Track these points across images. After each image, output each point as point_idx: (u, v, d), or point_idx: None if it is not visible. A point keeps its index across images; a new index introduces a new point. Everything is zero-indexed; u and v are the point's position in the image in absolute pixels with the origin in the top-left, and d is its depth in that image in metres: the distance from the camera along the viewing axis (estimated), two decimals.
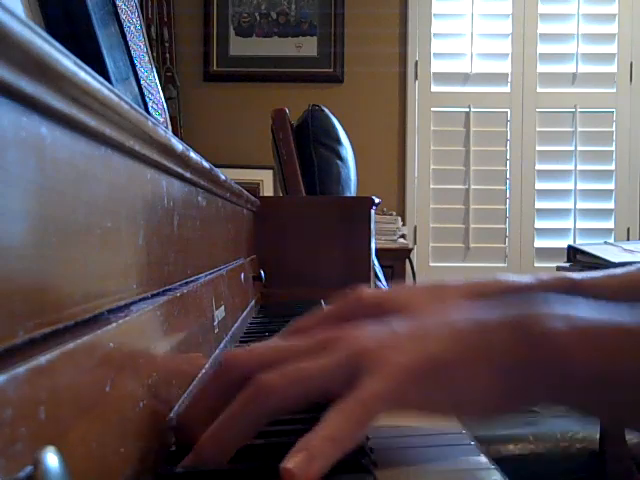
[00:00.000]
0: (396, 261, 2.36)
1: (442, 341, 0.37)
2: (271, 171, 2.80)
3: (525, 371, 0.36)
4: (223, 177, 0.71)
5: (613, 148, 3.01)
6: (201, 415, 0.37)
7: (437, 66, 3.02)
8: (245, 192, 0.97)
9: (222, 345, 0.63)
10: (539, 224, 3.00)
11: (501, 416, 0.38)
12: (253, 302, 1.01)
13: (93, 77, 0.30)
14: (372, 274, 1.25)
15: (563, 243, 2.29)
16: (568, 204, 2.99)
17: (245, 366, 0.37)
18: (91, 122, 0.30)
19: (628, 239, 2.95)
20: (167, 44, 2.92)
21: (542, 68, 3.02)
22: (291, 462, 0.32)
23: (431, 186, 3.00)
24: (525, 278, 0.50)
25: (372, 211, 1.27)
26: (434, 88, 3.02)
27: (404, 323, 0.38)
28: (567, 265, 1.99)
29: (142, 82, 0.66)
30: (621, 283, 0.50)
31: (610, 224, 3.00)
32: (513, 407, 0.37)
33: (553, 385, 0.36)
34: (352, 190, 1.82)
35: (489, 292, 0.48)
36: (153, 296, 0.43)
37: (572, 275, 0.50)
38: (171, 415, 0.40)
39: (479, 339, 0.37)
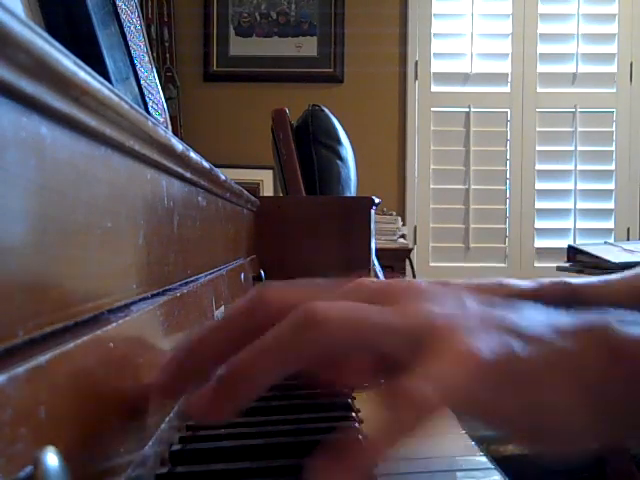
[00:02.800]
0: (396, 261, 2.36)
1: (528, 339, 0.30)
2: (271, 171, 2.80)
3: (621, 391, 0.30)
4: (223, 177, 0.71)
5: (613, 148, 3.01)
6: (218, 347, 0.31)
7: (437, 66, 3.02)
8: (245, 192, 0.97)
9: None
10: (539, 224, 3.00)
11: (586, 447, 0.32)
12: None
13: (93, 77, 0.30)
14: (372, 274, 1.25)
15: (563, 243, 2.29)
16: (568, 204, 2.99)
17: (287, 300, 0.31)
18: (91, 122, 0.30)
19: (628, 239, 2.95)
20: (167, 44, 2.92)
21: (542, 68, 3.02)
22: (322, 473, 0.26)
23: (431, 186, 3.00)
24: (525, 283, 0.49)
25: (372, 211, 1.27)
26: (434, 88, 3.02)
27: (480, 307, 0.32)
28: (567, 265, 1.99)
29: (142, 82, 0.66)
30: (622, 288, 0.49)
31: (610, 224, 3.00)
32: (606, 436, 0.31)
33: None
34: (352, 190, 1.82)
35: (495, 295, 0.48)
36: (153, 296, 0.43)
37: (571, 280, 0.50)
38: (171, 415, 0.40)
39: (568, 345, 0.31)
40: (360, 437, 0.28)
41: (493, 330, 0.30)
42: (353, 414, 0.44)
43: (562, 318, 0.32)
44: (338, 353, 0.31)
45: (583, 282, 0.50)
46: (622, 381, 0.30)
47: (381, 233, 2.40)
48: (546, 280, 0.49)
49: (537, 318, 0.32)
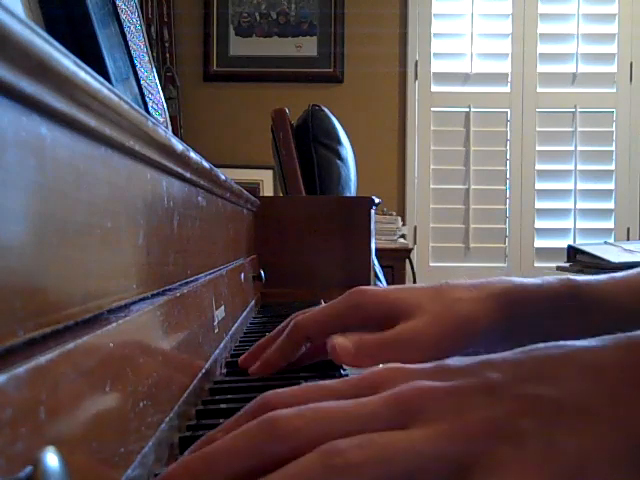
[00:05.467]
0: (396, 261, 2.36)
1: (573, 420, 0.27)
2: (271, 171, 2.80)
3: None
4: (223, 177, 0.71)
5: (613, 148, 3.01)
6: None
7: (437, 66, 3.03)
8: (245, 192, 0.97)
9: (222, 345, 0.63)
10: (539, 224, 3.00)
11: None
12: (253, 302, 1.01)
13: (93, 77, 0.30)
14: (372, 274, 1.25)
15: (563, 243, 2.29)
16: (568, 204, 2.99)
17: (298, 429, 0.28)
18: (91, 122, 0.30)
19: (628, 239, 2.95)
20: (167, 44, 2.92)
21: (542, 68, 3.03)
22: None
23: (431, 186, 3.00)
24: (529, 281, 0.49)
25: (372, 211, 1.27)
26: (434, 88, 3.02)
27: (502, 370, 0.29)
28: (567, 265, 1.99)
29: (142, 82, 0.66)
30: (626, 286, 0.49)
31: (610, 224, 3.00)
32: None
33: None
34: (352, 190, 1.82)
35: (502, 297, 0.48)
36: (153, 296, 0.43)
37: (576, 278, 0.50)
38: (171, 415, 0.40)
39: (608, 404, 0.28)
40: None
41: (530, 419, 0.27)
42: None
43: (597, 352, 0.30)
44: None
45: (588, 280, 0.50)
46: None
47: (381, 233, 2.40)
48: (552, 278, 0.49)
49: (573, 367, 0.29)
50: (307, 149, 1.71)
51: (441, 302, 0.48)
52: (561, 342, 0.31)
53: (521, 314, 0.48)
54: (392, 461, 0.26)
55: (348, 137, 1.87)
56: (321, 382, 0.32)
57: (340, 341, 0.46)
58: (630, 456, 0.27)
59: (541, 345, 0.31)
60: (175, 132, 0.64)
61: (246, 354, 0.55)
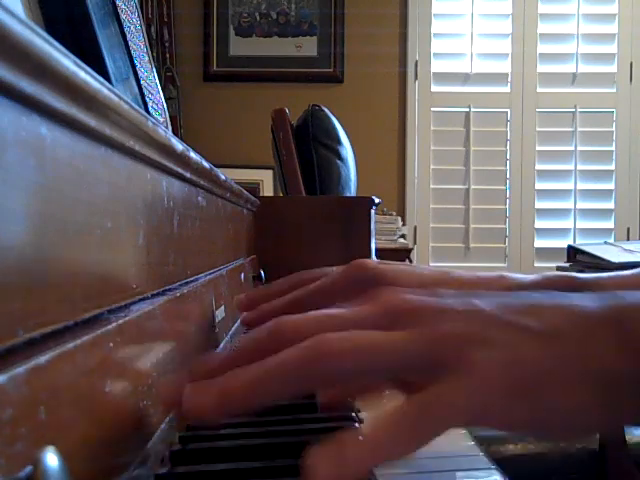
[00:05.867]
0: (396, 261, 2.36)
1: (536, 339, 0.30)
2: (271, 171, 2.80)
3: (633, 380, 0.30)
4: (223, 177, 0.72)
5: (613, 148, 3.01)
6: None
7: (437, 66, 3.02)
8: (245, 192, 0.97)
9: (222, 345, 0.63)
10: (539, 224, 3.00)
11: (597, 434, 0.33)
12: None
13: (93, 77, 0.30)
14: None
15: (563, 243, 2.30)
16: (568, 204, 2.99)
17: (300, 330, 0.31)
18: (91, 122, 0.30)
19: (628, 239, 2.95)
20: (167, 44, 2.92)
21: (542, 68, 3.03)
22: (318, 462, 0.27)
23: (431, 186, 3.00)
24: (530, 277, 0.49)
25: (372, 211, 1.27)
26: (434, 88, 3.02)
27: (489, 301, 0.32)
28: (567, 265, 1.99)
29: (142, 82, 0.66)
30: (631, 284, 0.47)
31: (610, 224, 3.00)
32: (616, 424, 0.32)
33: None
34: (352, 190, 1.82)
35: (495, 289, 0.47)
36: (153, 296, 0.43)
37: (578, 275, 0.49)
38: (171, 415, 0.40)
39: (579, 337, 0.31)
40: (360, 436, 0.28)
41: (503, 333, 0.30)
42: (353, 414, 0.44)
43: (574, 302, 0.32)
44: (346, 380, 0.33)
45: (589, 277, 0.49)
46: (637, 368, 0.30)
47: (381, 233, 2.39)
48: (551, 274, 0.49)
49: (567, 303, 0.32)
50: (307, 149, 1.71)
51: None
52: (556, 293, 0.34)
53: None
54: (372, 353, 0.30)
55: (348, 137, 1.87)
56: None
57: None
58: (587, 379, 0.30)
59: (536, 293, 0.34)
60: (175, 132, 0.64)
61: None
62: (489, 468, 0.38)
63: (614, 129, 3.02)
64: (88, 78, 0.29)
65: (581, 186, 2.99)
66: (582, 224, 2.98)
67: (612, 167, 3.01)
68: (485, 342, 0.30)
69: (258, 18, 3.00)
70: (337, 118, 1.83)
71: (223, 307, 0.68)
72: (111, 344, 0.31)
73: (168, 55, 2.91)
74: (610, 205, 3.00)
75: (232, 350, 0.33)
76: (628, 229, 3.00)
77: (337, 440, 0.27)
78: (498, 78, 3.03)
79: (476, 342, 0.30)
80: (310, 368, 0.29)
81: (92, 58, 0.52)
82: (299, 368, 0.29)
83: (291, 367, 0.29)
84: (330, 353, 0.29)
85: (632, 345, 0.30)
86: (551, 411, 0.30)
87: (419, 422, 0.28)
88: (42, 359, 0.23)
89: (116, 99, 0.33)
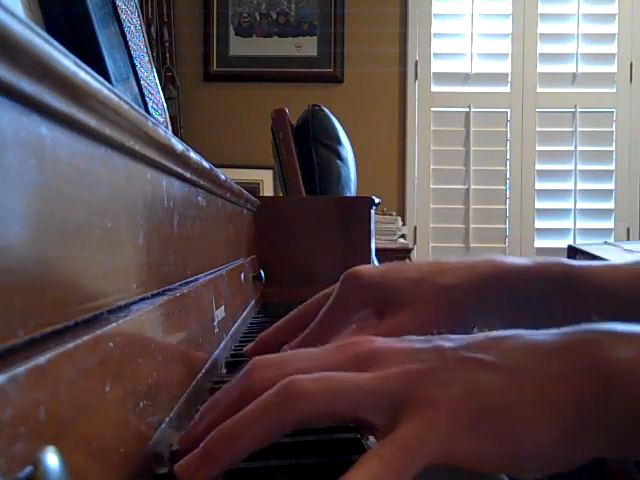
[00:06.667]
0: (396, 261, 2.36)
1: (493, 371, 0.31)
2: (271, 171, 2.80)
3: (601, 412, 0.29)
4: (223, 177, 0.72)
5: (613, 148, 3.01)
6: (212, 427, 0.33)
7: (437, 66, 3.02)
8: (245, 192, 0.97)
9: (222, 345, 0.63)
10: (539, 224, 3.00)
11: (568, 469, 0.31)
12: (253, 302, 1.01)
13: (93, 77, 0.30)
14: None
15: (563, 243, 2.30)
16: (568, 204, 2.99)
17: (269, 376, 0.33)
18: (91, 122, 0.30)
19: (628, 239, 2.95)
20: (167, 44, 2.92)
21: (542, 68, 3.03)
22: None
23: (431, 186, 3.00)
24: (521, 260, 0.48)
25: (372, 211, 1.27)
26: (434, 88, 3.02)
27: (453, 342, 0.33)
28: None
29: (142, 82, 0.66)
30: (625, 275, 0.47)
31: (610, 224, 3.00)
32: (585, 458, 0.30)
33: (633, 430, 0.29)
34: (352, 190, 1.82)
35: (489, 275, 0.47)
36: (153, 296, 0.43)
37: (570, 262, 0.48)
38: (171, 415, 0.40)
39: (536, 368, 0.31)
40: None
41: (463, 369, 0.31)
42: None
43: (545, 337, 0.32)
44: (317, 421, 0.34)
45: (583, 264, 0.48)
46: (613, 402, 0.29)
47: (381, 233, 2.39)
48: (544, 260, 0.48)
49: (516, 343, 0.32)
50: (307, 149, 1.71)
51: (427, 288, 0.47)
52: (522, 331, 0.34)
53: (507, 297, 0.47)
54: (339, 393, 0.31)
55: (348, 137, 1.87)
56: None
57: None
58: (550, 407, 0.30)
59: (503, 332, 0.34)
60: (175, 132, 0.64)
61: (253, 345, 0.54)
62: None
63: (614, 129, 3.02)
64: (88, 78, 0.29)
65: (581, 186, 2.99)
66: (582, 224, 2.98)
67: (612, 167, 3.01)
68: (446, 379, 0.31)
69: (258, 18, 3.00)
70: (337, 118, 1.83)
71: (223, 307, 0.68)
72: (111, 344, 0.31)
73: (168, 55, 2.91)
74: (610, 205, 3.00)
75: (207, 408, 0.35)
76: (628, 229, 3.00)
77: None
78: (498, 78, 3.03)
79: (438, 379, 0.31)
80: (282, 412, 0.31)
81: (92, 58, 0.52)
82: (271, 414, 0.31)
83: (264, 414, 0.31)
84: (300, 395, 0.31)
85: (597, 370, 0.30)
86: (518, 442, 0.30)
87: (401, 462, 0.29)
88: (42, 359, 0.23)
89: (116, 99, 0.33)
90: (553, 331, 0.33)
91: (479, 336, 0.34)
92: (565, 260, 0.48)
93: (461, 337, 0.34)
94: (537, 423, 0.30)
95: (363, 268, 0.49)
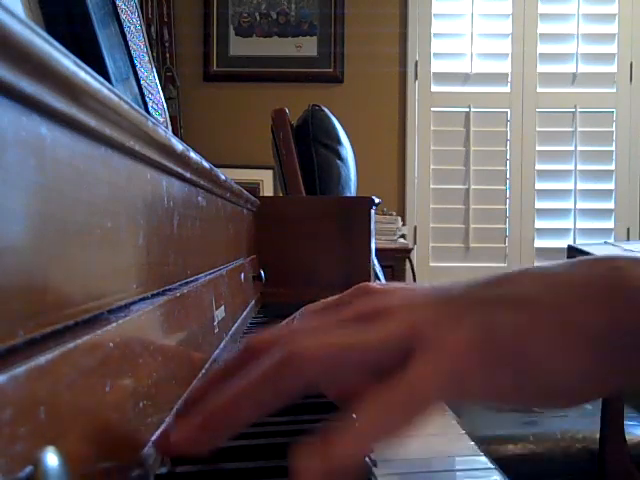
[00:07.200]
0: (396, 261, 2.36)
1: (511, 305, 0.30)
2: (271, 171, 2.80)
3: (623, 339, 0.28)
4: (223, 177, 0.71)
5: (613, 148, 3.01)
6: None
7: (437, 66, 3.02)
8: (245, 192, 0.97)
9: (222, 345, 0.63)
10: (539, 224, 3.00)
11: (590, 401, 0.30)
12: (253, 302, 1.01)
13: (93, 77, 0.30)
14: (372, 274, 1.25)
15: (563, 243, 2.29)
16: (568, 204, 2.99)
17: (273, 344, 0.31)
18: (91, 122, 0.30)
19: (628, 239, 2.95)
20: (167, 44, 2.92)
21: (542, 68, 3.02)
22: (304, 459, 0.26)
23: (431, 186, 3.00)
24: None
25: (372, 211, 1.27)
26: (434, 88, 3.02)
27: (457, 286, 0.32)
28: None
29: (142, 82, 0.66)
30: None
31: (610, 224, 3.00)
32: (607, 389, 0.30)
33: None
34: (352, 190, 1.82)
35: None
36: (153, 296, 0.43)
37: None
38: (171, 415, 0.40)
39: (558, 299, 0.29)
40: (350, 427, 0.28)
41: (481, 306, 0.30)
42: (353, 415, 0.44)
43: (560, 269, 0.31)
44: (327, 381, 0.32)
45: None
46: (633, 326, 0.28)
47: (381, 233, 2.40)
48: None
49: (517, 275, 0.31)
50: (307, 149, 1.71)
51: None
52: (532, 266, 0.33)
53: None
54: (348, 351, 0.30)
55: (348, 137, 1.87)
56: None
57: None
58: (569, 338, 0.29)
59: (513, 270, 0.33)
60: (175, 132, 0.64)
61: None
62: (489, 468, 0.38)
63: (614, 129, 3.02)
64: (88, 78, 0.29)
65: (581, 186, 2.99)
66: (582, 224, 2.98)
67: (612, 167, 3.01)
68: (454, 322, 0.30)
69: (258, 18, 3.00)
70: (337, 118, 1.83)
71: (223, 307, 0.68)
72: (111, 344, 0.31)
73: (168, 55, 2.91)
74: (610, 205, 3.00)
75: (210, 376, 0.34)
76: (628, 229, 3.00)
77: (323, 434, 0.27)
78: (498, 78, 3.03)
79: (445, 324, 0.30)
80: (286, 373, 0.29)
81: (92, 58, 0.52)
82: (275, 376, 0.29)
83: (267, 377, 0.29)
84: (304, 353, 0.29)
85: (615, 304, 0.29)
86: (535, 374, 0.29)
87: (406, 399, 0.28)
88: (42, 359, 0.23)
89: (116, 99, 0.33)
90: (567, 261, 0.32)
91: (490, 279, 0.32)
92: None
93: (468, 282, 0.33)
94: (556, 355, 0.29)
95: (370, 284, 0.47)
